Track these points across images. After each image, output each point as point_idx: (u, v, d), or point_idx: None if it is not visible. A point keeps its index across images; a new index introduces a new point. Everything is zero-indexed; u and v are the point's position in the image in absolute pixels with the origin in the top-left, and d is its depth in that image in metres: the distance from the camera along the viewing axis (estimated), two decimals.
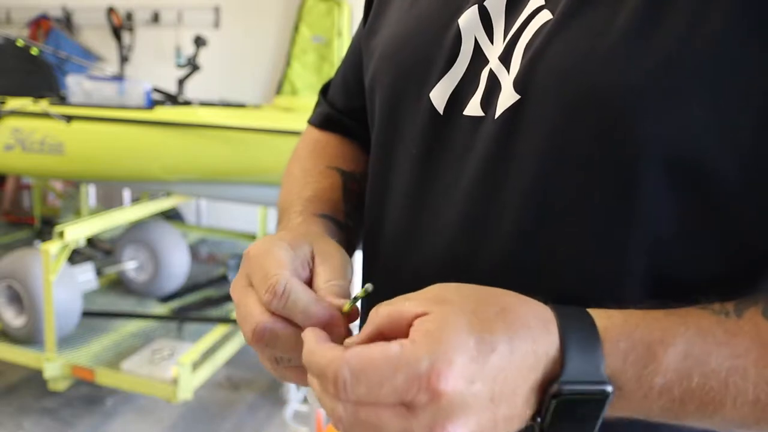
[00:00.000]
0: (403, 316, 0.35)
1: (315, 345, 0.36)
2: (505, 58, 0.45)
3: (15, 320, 2.28)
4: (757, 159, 0.38)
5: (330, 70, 3.53)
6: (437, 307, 0.35)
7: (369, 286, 0.39)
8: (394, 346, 0.33)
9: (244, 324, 0.43)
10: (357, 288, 0.43)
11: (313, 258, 0.46)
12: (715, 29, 0.37)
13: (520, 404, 0.35)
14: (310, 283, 0.45)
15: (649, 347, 0.36)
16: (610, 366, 0.36)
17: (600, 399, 0.35)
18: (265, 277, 0.42)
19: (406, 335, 0.34)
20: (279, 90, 3.63)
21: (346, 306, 0.42)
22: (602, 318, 0.37)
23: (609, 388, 0.35)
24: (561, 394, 0.35)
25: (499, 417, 0.34)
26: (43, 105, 2.47)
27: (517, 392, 0.35)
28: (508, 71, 0.44)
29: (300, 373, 0.43)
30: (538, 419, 0.36)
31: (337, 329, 0.41)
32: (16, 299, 2.28)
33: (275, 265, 0.42)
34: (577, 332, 0.36)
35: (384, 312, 0.36)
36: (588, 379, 0.35)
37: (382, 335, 0.36)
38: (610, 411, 0.37)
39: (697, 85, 0.37)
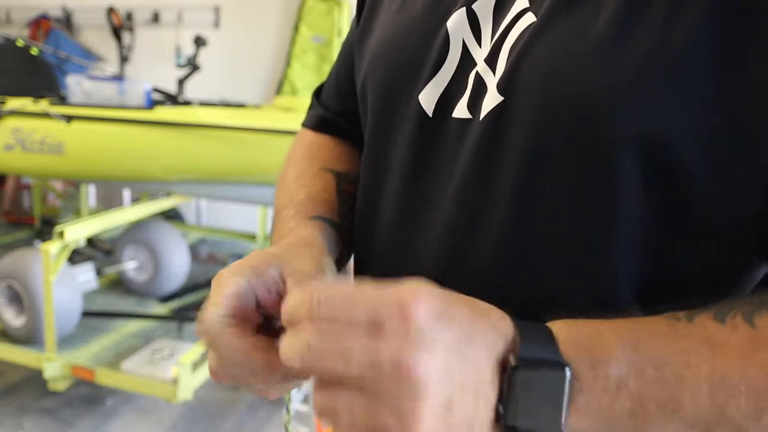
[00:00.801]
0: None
1: (290, 298, 0.35)
2: (491, 61, 0.46)
3: (15, 320, 2.28)
4: (729, 159, 0.38)
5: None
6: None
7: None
8: (367, 284, 0.34)
9: (211, 346, 0.46)
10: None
11: (284, 280, 0.45)
12: (689, 32, 0.37)
13: (484, 378, 0.34)
14: (274, 305, 0.45)
15: (599, 337, 0.36)
16: (565, 352, 0.35)
17: (558, 379, 0.34)
18: (210, 307, 0.45)
19: None
20: (279, 90, 3.64)
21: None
22: (554, 322, 0.38)
23: (567, 370, 0.34)
24: (517, 368, 0.34)
25: (465, 377, 0.33)
26: (43, 105, 2.47)
27: (481, 363, 0.34)
28: (494, 73, 0.45)
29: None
30: (501, 408, 0.34)
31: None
32: (16, 299, 2.28)
33: (223, 297, 0.45)
34: (527, 323, 0.37)
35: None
36: (544, 356, 0.35)
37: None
38: (577, 419, 0.35)
39: (672, 85, 0.38)
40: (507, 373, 0.34)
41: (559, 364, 0.35)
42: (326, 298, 0.33)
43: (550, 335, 0.36)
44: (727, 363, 0.35)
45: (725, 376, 0.35)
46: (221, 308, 0.44)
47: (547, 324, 0.37)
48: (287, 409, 0.52)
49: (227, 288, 0.44)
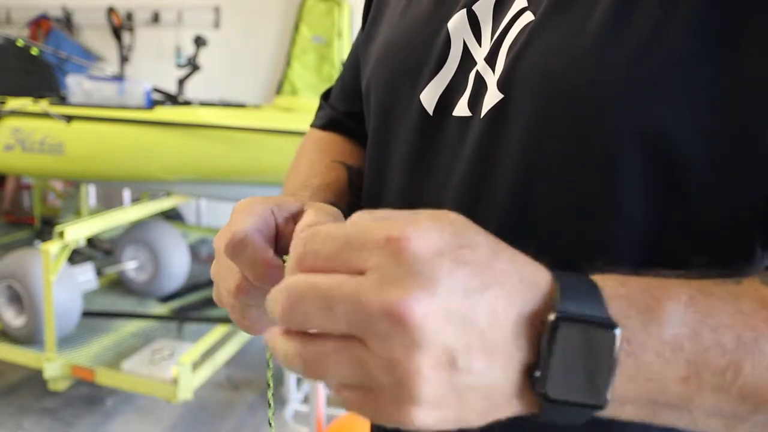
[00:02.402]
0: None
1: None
2: (491, 59, 0.46)
3: (15, 320, 2.28)
4: (728, 149, 0.39)
5: (330, 70, 3.53)
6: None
7: None
8: (364, 214, 0.31)
9: (224, 276, 0.44)
10: None
11: (302, 212, 0.45)
12: (683, 26, 0.38)
13: (503, 336, 0.28)
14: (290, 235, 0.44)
15: (652, 296, 0.32)
16: (614, 309, 0.30)
17: (608, 339, 0.29)
18: (229, 229, 0.42)
19: None
20: (279, 90, 3.64)
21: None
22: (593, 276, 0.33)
23: (617, 330, 0.29)
24: (557, 327, 0.29)
25: (474, 330, 0.28)
26: (43, 105, 2.47)
27: (499, 313, 0.28)
28: (494, 72, 0.46)
29: (267, 323, 0.44)
30: (537, 373, 0.29)
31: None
32: (16, 299, 2.28)
33: (245, 216, 0.43)
34: (569, 275, 0.31)
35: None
36: (591, 314, 0.29)
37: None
38: (624, 386, 0.30)
39: (668, 79, 0.38)
40: (544, 331, 0.29)
41: (608, 323, 0.29)
42: (314, 235, 0.29)
43: (596, 288, 0.31)
44: None
45: None
46: (252, 219, 0.42)
47: (590, 276, 0.32)
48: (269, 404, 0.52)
49: (257, 208, 0.43)
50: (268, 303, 0.30)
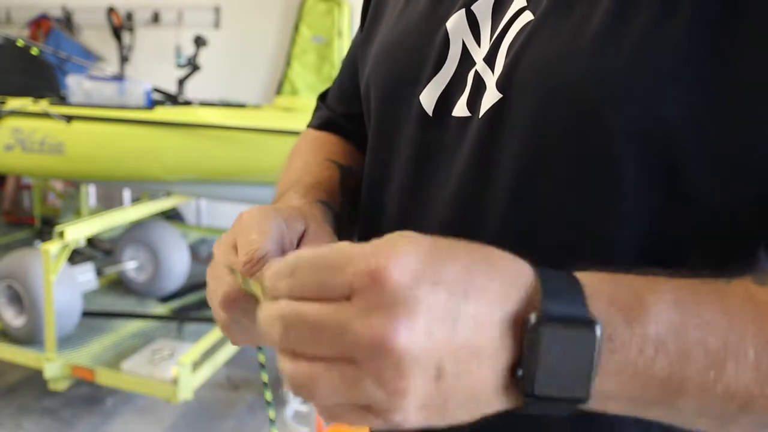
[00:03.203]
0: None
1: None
2: (490, 59, 0.46)
3: (15, 320, 2.28)
4: (727, 149, 0.39)
5: (330, 70, 3.53)
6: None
7: None
8: (344, 243, 0.31)
9: (216, 284, 0.44)
10: None
11: (302, 237, 0.46)
12: (681, 25, 0.38)
13: (488, 338, 0.30)
14: None
15: (636, 293, 0.32)
16: (595, 307, 0.31)
17: (589, 337, 0.30)
18: (248, 242, 0.43)
19: None
20: (279, 90, 3.64)
21: None
22: (579, 271, 0.33)
23: (598, 328, 0.30)
24: (539, 325, 0.29)
25: (459, 340, 0.29)
26: (43, 105, 2.47)
27: (481, 319, 0.29)
28: (493, 72, 0.46)
29: (252, 335, 0.44)
30: (520, 372, 0.30)
31: None
32: (16, 299, 2.28)
33: (261, 234, 0.43)
34: (551, 273, 0.32)
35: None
36: (571, 314, 0.30)
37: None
38: (606, 383, 0.31)
39: (666, 78, 0.38)
40: (526, 330, 0.30)
41: (589, 321, 0.30)
42: (298, 263, 0.30)
43: (577, 286, 0.32)
44: None
45: None
46: (270, 240, 0.43)
47: (574, 274, 0.33)
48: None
49: (268, 225, 0.44)
50: (262, 327, 0.31)
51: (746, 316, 0.32)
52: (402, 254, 0.29)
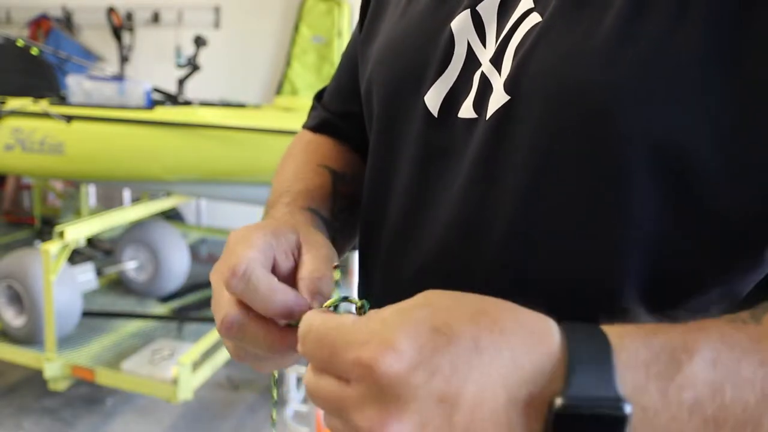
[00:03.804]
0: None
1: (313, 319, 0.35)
2: (497, 61, 0.46)
3: (15, 320, 2.28)
4: (739, 153, 0.38)
5: (330, 70, 3.53)
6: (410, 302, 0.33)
7: (365, 303, 0.40)
8: (347, 319, 0.32)
9: (216, 311, 0.44)
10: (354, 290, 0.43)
11: (299, 247, 0.46)
12: (694, 29, 0.38)
13: (493, 422, 0.29)
14: (294, 272, 0.45)
15: (672, 355, 0.31)
16: (630, 381, 0.30)
17: (617, 421, 0.29)
18: (231, 260, 0.42)
19: None
20: (279, 90, 3.64)
21: (327, 304, 0.42)
22: (614, 328, 0.32)
23: (628, 408, 0.29)
24: (564, 414, 0.28)
25: (458, 429, 0.29)
26: (43, 105, 2.47)
27: (487, 405, 0.29)
28: (500, 73, 0.45)
29: (261, 363, 0.45)
30: None
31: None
32: (16, 299, 2.28)
33: (245, 249, 0.43)
34: (582, 343, 0.30)
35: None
36: (600, 395, 0.29)
37: None
38: None
39: (679, 83, 0.38)
40: (550, 413, 0.29)
41: (618, 405, 0.29)
42: (306, 334, 0.33)
43: (608, 356, 0.30)
44: None
45: None
46: (252, 251, 0.42)
47: (605, 333, 0.31)
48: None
49: (256, 240, 0.44)
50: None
51: None
52: (399, 342, 0.29)
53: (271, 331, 0.42)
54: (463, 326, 0.30)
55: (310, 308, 0.41)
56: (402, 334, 0.29)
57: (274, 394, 0.51)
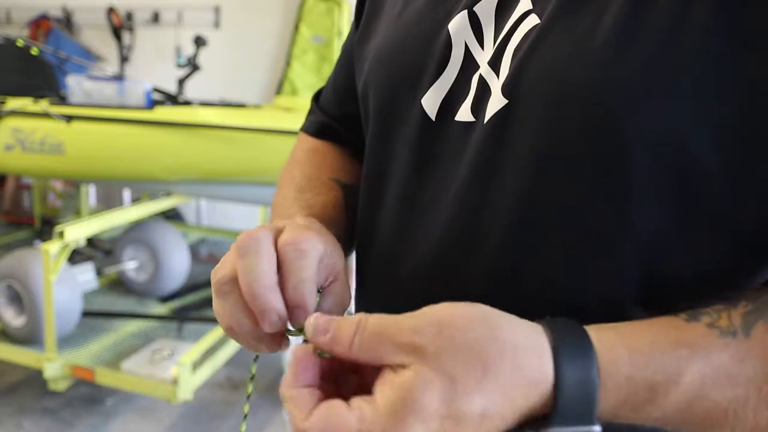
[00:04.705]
0: (381, 359, 0.35)
1: (289, 390, 0.37)
2: (495, 63, 0.45)
3: (15, 320, 2.28)
4: (740, 154, 0.38)
5: (330, 70, 3.50)
6: (414, 359, 0.34)
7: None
8: (352, 418, 0.33)
9: (215, 273, 0.45)
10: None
11: (331, 275, 0.46)
12: (697, 29, 0.37)
13: None
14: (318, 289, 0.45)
15: (651, 389, 0.36)
16: (608, 405, 0.36)
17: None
18: (297, 230, 0.44)
19: (377, 370, 0.35)
20: (279, 90, 3.63)
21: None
22: (606, 352, 0.36)
23: (597, 429, 0.35)
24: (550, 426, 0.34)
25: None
26: (43, 105, 2.47)
27: (498, 425, 0.34)
28: (498, 76, 0.45)
29: (250, 340, 0.45)
30: None
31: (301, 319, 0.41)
32: (16, 299, 2.28)
33: (314, 237, 0.43)
34: (572, 373, 0.35)
35: (365, 346, 0.36)
36: (578, 422, 0.35)
37: (357, 360, 0.36)
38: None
39: (681, 84, 0.37)
40: (538, 425, 0.35)
41: (591, 426, 0.35)
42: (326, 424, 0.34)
43: (594, 392, 0.35)
44: None
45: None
46: (317, 258, 0.43)
47: (598, 358, 0.36)
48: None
49: (322, 245, 0.44)
50: None
51: (753, 386, 0.37)
52: (430, 380, 0.33)
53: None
54: (474, 401, 0.34)
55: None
56: (433, 371, 0.33)
57: (249, 389, 0.51)
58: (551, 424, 0.34)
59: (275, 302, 0.40)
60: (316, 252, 0.43)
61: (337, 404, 0.34)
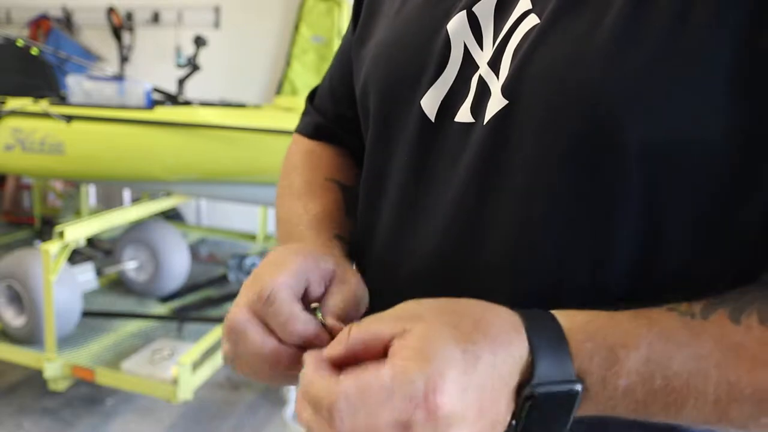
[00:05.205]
0: (378, 338, 0.36)
1: (312, 374, 0.36)
2: (494, 64, 0.45)
3: (15, 320, 2.28)
4: (741, 154, 0.38)
5: None
6: (414, 324, 0.36)
7: None
8: (386, 372, 0.33)
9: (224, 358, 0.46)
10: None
11: (332, 279, 0.46)
12: (698, 31, 0.37)
13: (503, 410, 0.36)
14: (319, 299, 0.45)
15: (611, 350, 0.37)
16: (577, 365, 0.37)
17: (570, 397, 0.37)
18: (260, 282, 0.43)
19: (382, 355, 0.35)
20: (279, 90, 3.63)
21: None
22: (566, 318, 0.38)
23: (578, 387, 0.37)
24: (534, 396, 0.36)
25: (488, 424, 0.36)
26: (43, 105, 2.47)
27: (501, 399, 0.36)
28: (497, 77, 0.45)
29: (254, 374, 0.45)
30: (513, 422, 0.37)
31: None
32: (16, 299, 2.28)
33: (276, 273, 0.43)
34: (545, 334, 0.37)
35: (357, 337, 0.36)
36: (558, 378, 0.37)
37: (356, 358, 0.36)
38: (579, 411, 0.38)
39: (682, 86, 0.37)
40: (521, 398, 0.37)
41: (573, 385, 0.37)
42: (349, 406, 0.33)
43: (563, 344, 0.37)
44: (738, 366, 0.36)
45: (733, 381, 0.36)
46: (287, 277, 0.43)
47: (561, 325, 0.38)
48: None
49: (294, 265, 0.44)
50: None
51: (713, 360, 0.37)
52: (442, 366, 0.34)
53: (281, 349, 0.42)
54: (480, 341, 0.36)
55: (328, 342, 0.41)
56: (445, 363, 0.34)
57: None
58: (535, 375, 0.36)
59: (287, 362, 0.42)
60: (288, 284, 0.43)
61: (363, 367, 0.35)
